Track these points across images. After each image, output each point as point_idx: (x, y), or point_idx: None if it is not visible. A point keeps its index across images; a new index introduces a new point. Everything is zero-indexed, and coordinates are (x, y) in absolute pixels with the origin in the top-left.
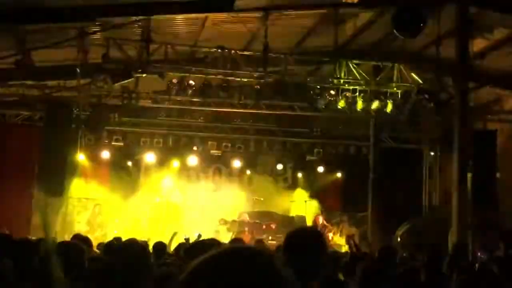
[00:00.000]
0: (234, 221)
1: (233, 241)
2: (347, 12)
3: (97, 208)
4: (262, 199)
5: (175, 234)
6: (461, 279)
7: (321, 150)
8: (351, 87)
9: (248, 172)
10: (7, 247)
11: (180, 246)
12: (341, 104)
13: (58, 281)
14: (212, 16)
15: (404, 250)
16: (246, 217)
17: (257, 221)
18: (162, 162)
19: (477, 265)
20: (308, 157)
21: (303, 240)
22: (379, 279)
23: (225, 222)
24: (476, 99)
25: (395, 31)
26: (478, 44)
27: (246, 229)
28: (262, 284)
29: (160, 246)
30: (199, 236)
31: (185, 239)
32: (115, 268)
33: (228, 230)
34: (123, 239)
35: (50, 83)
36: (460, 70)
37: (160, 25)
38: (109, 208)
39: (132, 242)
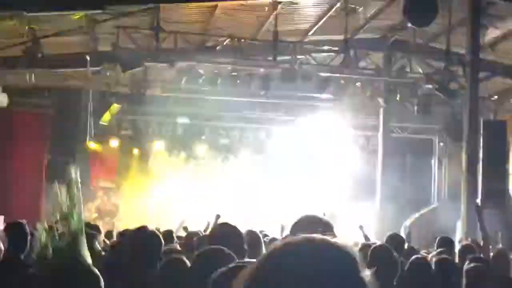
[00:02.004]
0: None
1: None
2: (358, 1)
3: (106, 196)
4: (270, 188)
5: (182, 222)
6: (471, 268)
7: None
8: (361, 77)
9: (258, 160)
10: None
11: (190, 233)
12: (351, 93)
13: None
14: (222, 4)
15: (413, 241)
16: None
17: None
18: (171, 151)
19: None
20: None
21: (309, 225)
22: (389, 264)
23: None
24: (487, 89)
25: (406, 20)
26: (489, 34)
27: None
28: (340, 284)
29: (168, 234)
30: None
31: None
32: (127, 254)
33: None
34: (132, 227)
35: (60, 71)
36: (471, 60)
37: (169, 14)
38: (118, 196)
39: (144, 229)
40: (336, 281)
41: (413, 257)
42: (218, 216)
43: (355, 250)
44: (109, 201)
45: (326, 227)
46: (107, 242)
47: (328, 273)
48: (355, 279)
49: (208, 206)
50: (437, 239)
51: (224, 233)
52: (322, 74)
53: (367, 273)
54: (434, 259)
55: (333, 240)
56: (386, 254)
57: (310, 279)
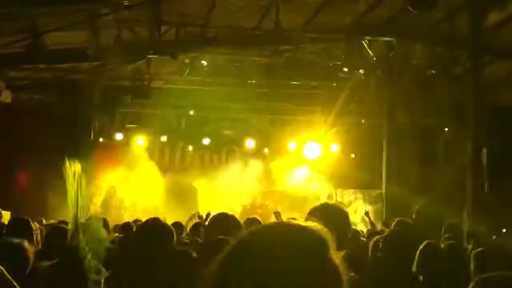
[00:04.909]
0: (244, 206)
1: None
2: None
3: (112, 190)
4: (275, 178)
5: (194, 215)
6: (478, 253)
7: (335, 127)
8: (363, 64)
9: (263, 151)
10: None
11: (196, 225)
12: (354, 81)
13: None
14: None
15: (419, 227)
16: (257, 200)
17: (266, 202)
18: (175, 143)
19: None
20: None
21: (327, 214)
22: (401, 249)
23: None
24: (491, 73)
25: (408, 6)
26: (491, 18)
27: (259, 211)
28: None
29: (177, 227)
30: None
31: (198, 217)
32: (138, 245)
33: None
34: (138, 220)
35: (62, 66)
36: (474, 44)
37: (170, 6)
38: (124, 190)
39: (157, 220)
40: (302, 261)
41: (425, 242)
42: (193, 215)
43: (326, 232)
44: (114, 195)
45: (341, 216)
46: (116, 235)
47: (293, 254)
48: (323, 259)
49: (216, 198)
50: (445, 225)
51: (221, 223)
52: (325, 62)
53: (338, 254)
54: (443, 245)
55: (305, 223)
56: (400, 241)
57: (275, 259)
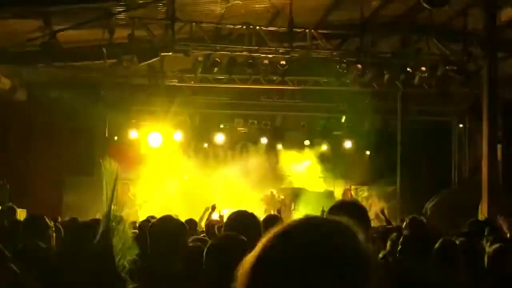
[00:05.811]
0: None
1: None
2: None
3: (125, 187)
4: (289, 175)
5: (208, 209)
6: (496, 248)
7: (348, 124)
8: (377, 61)
9: (276, 148)
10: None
11: (210, 223)
12: (368, 77)
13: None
14: None
15: (434, 223)
16: (274, 194)
17: (282, 196)
18: (190, 140)
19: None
20: (335, 132)
21: (346, 210)
22: (419, 249)
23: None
24: (505, 69)
25: (422, 1)
26: (505, 14)
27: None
28: (340, 261)
29: (190, 224)
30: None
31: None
32: (152, 243)
33: (266, 210)
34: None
35: (77, 64)
36: (488, 40)
37: (184, 3)
38: (138, 187)
39: (171, 219)
40: (335, 253)
41: (441, 239)
42: (214, 207)
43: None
44: (128, 192)
45: (361, 213)
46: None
47: (326, 246)
48: (355, 250)
49: (230, 195)
50: (468, 222)
51: (240, 220)
52: (339, 58)
53: (369, 245)
54: (459, 241)
55: (335, 218)
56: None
57: (310, 251)
